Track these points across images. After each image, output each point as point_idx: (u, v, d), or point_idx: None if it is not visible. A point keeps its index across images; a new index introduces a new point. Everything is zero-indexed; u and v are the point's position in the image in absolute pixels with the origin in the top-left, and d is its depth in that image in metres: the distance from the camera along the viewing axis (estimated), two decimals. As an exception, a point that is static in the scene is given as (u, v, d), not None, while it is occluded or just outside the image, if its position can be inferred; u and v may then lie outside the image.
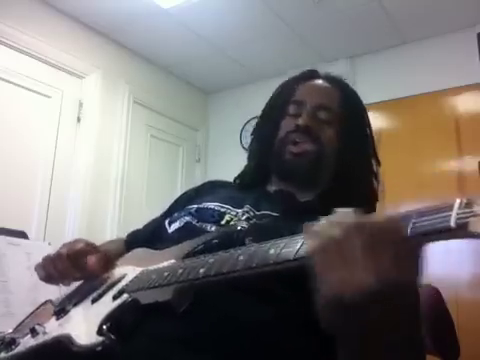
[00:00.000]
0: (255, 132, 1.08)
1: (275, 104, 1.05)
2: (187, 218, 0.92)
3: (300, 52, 3.22)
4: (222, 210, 0.90)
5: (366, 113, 1.05)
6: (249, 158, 1.08)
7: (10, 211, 2.49)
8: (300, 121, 0.95)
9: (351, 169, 0.95)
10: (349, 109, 0.98)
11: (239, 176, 1.07)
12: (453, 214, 0.39)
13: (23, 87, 2.71)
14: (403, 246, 0.42)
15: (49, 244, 1.51)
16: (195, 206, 0.94)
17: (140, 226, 1.13)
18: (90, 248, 0.88)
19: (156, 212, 1.11)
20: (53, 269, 0.88)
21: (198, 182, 1.15)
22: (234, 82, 3.68)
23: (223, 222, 0.87)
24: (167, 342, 0.69)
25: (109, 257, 0.90)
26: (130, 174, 3.24)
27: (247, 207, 0.89)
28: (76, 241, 0.91)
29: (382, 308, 0.41)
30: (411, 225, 0.42)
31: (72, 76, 3.00)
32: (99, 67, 3.11)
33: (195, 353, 0.69)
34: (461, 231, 0.38)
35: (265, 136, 1.02)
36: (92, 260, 0.84)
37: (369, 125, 1.05)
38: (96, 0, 2.81)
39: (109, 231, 3.04)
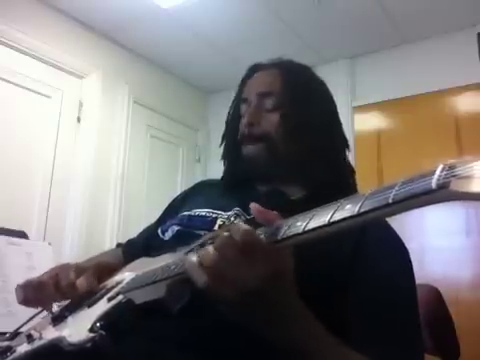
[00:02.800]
0: (223, 140, 1.07)
1: (231, 108, 1.05)
2: (180, 227, 0.92)
3: (300, 52, 3.22)
4: (214, 216, 0.90)
5: (316, 87, 1.00)
6: (225, 164, 1.06)
7: (10, 211, 2.49)
8: (244, 119, 0.96)
9: (308, 147, 0.92)
10: (292, 88, 0.95)
11: (223, 180, 1.05)
12: (435, 177, 0.39)
13: (23, 87, 2.71)
14: (256, 255, 0.53)
15: (49, 244, 1.51)
16: (187, 214, 0.94)
17: (140, 226, 1.13)
18: (77, 274, 0.84)
19: (156, 212, 1.11)
20: (35, 298, 0.85)
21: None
22: (234, 82, 3.65)
23: (216, 227, 0.87)
24: (163, 342, 0.69)
25: (103, 271, 0.89)
26: (130, 174, 3.24)
27: (237, 210, 0.88)
28: (63, 268, 0.87)
29: (257, 299, 0.54)
30: (394, 192, 0.43)
31: (72, 76, 3.00)
32: (99, 67, 3.11)
33: (191, 353, 0.69)
34: (443, 192, 0.38)
35: (230, 143, 1.03)
36: (81, 283, 0.81)
37: (325, 99, 1.00)
38: (96, 0, 2.82)
39: (109, 231, 3.04)
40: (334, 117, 1.00)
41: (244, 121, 0.95)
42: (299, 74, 1.00)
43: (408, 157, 2.97)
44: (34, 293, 0.85)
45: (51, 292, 0.83)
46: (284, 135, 0.93)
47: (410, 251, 0.81)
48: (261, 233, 0.56)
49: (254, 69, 1.05)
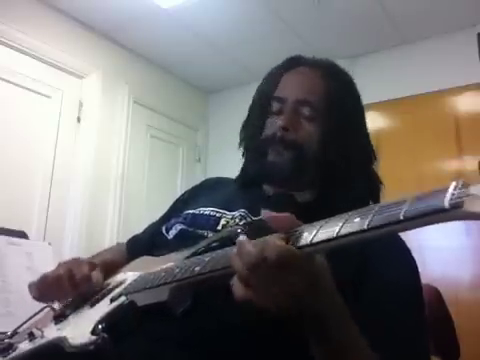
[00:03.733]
0: (242, 132, 1.04)
1: (259, 100, 1.00)
2: (183, 225, 0.91)
3: (300, 52, 3.21)
4: (218, 215, 0.89)
5: (355, 99, 0.97)
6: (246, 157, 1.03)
7: (10, 211, 2.49)
8: (280, 122, 0.90)
9: (338, 163, 0.89)
10: (334, 100, 0.91)
11: (239, 176, 1.03)
12: (447, 195, 0.39)
13: (23, 87, 2.71)
14: (295, 270, 0.52)
15: (49, 244, 1.51)
16: (191, 212, 0.94)
17: (140, 226, 1.13)
18: (90, 267, 0.86)
19: (156, 212, 1.11)
20: (51, 292, 0.86)
21: (198, 182, 1.13)
22: (234, 82, 3.67)
23: (219, 227, 0.86)
24: (165, 343, 0.69)
25: (108, 268, 0.90)
26: (130, 174, 3.24)
27: (243, 211, 0.87)
28: (75, 262, 0.88)
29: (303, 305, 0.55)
30: (405, 209, 0.42)
31: (72, 76, 3.00)
32: (99, 67, 3.11)
33: (193, 355, 0.69)
34: (455, 211, 0.38)
35: (252, 136, 0.99)
36: (95, 276, 0.83)
37: (361, 112, 0.97)
38: (96, 0, 2.81)
39: (109, 231, 3.04)
40: (366, 131, 0.98)
41: (280, 123, 0.91)
42: (341, 85, 0.96)
43: (408, 157, 2.97)
44: (49, 288, 0.85)
45: (66, 286, 0.84)
46: (317, 147, 0.90)
47: (414, 257, 0.81)
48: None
49: (293, 63, 1.00)
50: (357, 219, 0.46)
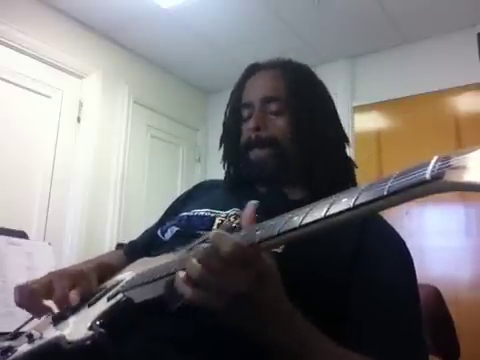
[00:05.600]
0: (222, 142, 1.05)
1: (230, 111, 1.03)
2: (178, 228, 0.92)
3: (300, 52, 3.22)
4: (212, 215, 0.90)
5: (318, 87, 1.00)
6: (226, 166, 1.05)
7: (10, 211, 2.49)
8: (251, 124, 0.94)
9: (316, 149, 0.91)
10: (297, 91, 0.94)
11: (227, 182, 1.04)
12: (429, 167, 0.40)
13: (23, 87, 2.71)
14: (240, 265, 0.54)
15: (49, 244, 1.51)
16: (185, 214, 0.95)
17: (140, 227, 1.13)
18: (71, 283, 0.81)
19: (156, 212, 1.11)
20: (27, 303, 0.83)
21: (197, 183, 1.14)
22: (234, 82, 3.66)
23: (214, 227, 0.87)
24: (162, 342, 0.70)
25: (104, 271, 0.89)
26: (130, 174, 3.24)
27: (236, 210, 0.88)
28: (59, 275, 0.84)
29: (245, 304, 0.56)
30: (389, 184, 0.43)
31: (72, 76, 3.00)
32: (99, 67, 3.11)
33: (190, 353, 0.69)
34: (437, 182, 0.39)
35: (231, 146, 1.01)
36: (73, 297, 0.79)
37: (326, 98, 1.00)
38: (96, 0, 2.82)
39: (109, 231, 3.04)
40: (335, 115, 1.00)
41: (250, 125, 0.94)
42: (301, 76, 0.99)
43: (408, 157, 2.97)
44: (27, 300, 0.83)
45: (40, 303, 0.81)
46: (291, 139, 0.92)
47: (410, 251, 0.81)
48: (258, 229, 0.56)
49: (253, 69, 1.03)
50: (344, 199, 0.47)
